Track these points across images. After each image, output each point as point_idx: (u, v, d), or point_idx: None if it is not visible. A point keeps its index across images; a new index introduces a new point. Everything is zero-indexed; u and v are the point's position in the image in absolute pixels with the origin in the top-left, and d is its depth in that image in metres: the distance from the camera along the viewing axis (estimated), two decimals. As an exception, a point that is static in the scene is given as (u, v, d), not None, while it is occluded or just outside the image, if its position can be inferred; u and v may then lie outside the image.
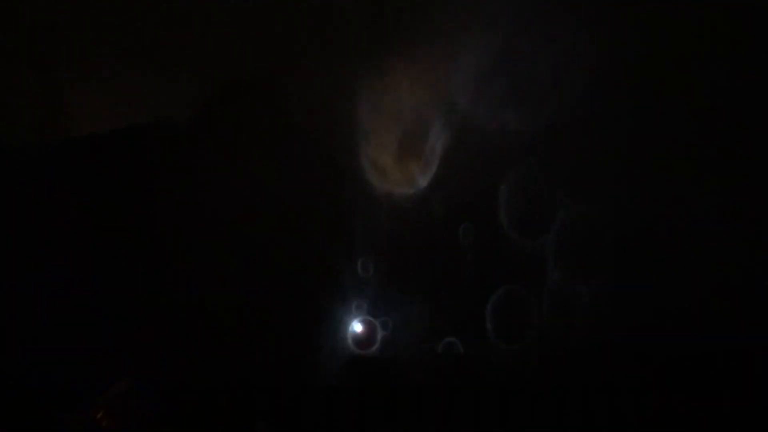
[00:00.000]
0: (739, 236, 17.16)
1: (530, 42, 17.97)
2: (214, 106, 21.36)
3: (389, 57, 19.42)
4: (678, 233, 17.38)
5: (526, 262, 17.95)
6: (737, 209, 17.23)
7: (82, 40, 20.31)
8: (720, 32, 17.64)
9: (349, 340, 17.76)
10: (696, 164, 17.46)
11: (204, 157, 19.63)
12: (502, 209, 18.28)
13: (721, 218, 17.18)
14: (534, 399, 11.33)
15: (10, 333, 14.03)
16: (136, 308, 15.37)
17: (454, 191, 18.66)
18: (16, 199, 17.17)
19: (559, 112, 18.05)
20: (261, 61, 21.06)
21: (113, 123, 20.40)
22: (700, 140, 17.47)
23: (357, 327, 18.13)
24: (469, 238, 18.44)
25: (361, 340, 17.91)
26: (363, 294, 18.70)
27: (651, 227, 17.57)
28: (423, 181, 19.18)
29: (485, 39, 18.10)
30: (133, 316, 15.20)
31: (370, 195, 19.23)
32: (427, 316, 17.56)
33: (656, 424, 11.15)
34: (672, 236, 17.34)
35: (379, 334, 17.69)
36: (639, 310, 16.86)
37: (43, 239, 16.49)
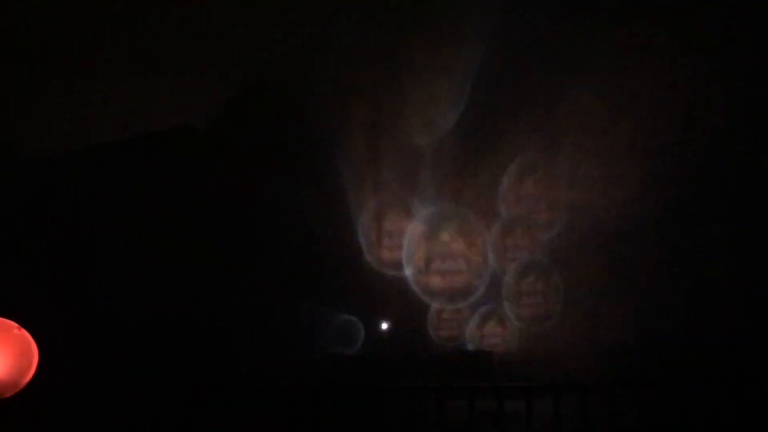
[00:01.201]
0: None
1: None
2: (231, 112, 21.60)
3: (403, 59, 19.59)
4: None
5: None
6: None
7: (101, 49, 20.72)
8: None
9: None
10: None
11: (221, 161, 19.82)
12: None
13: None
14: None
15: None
16: (148, 307, 15.57)
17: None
18: (40, 204, 17.48)
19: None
20: (277, 67, 21.28)
21: (132, 129, 20.77)
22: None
23: None
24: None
25: None
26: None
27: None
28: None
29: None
30: (145, 316, 15.38)
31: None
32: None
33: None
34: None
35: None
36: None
37: (68, 242, 16.77)
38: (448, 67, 19.09)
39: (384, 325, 19.96)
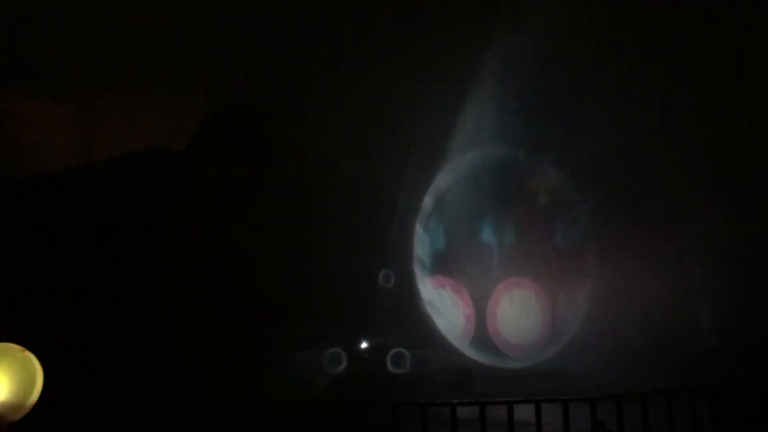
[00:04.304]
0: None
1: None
2: (210, 133, 21.62)
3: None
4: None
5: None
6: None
7: (74, 67, 20.62)
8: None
9: None
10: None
11: (199, 181, 19.80)
12: None
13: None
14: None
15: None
16: (136, 317, 15.52)
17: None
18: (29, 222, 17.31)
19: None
20: (254, 88, 21.43)
21: (109, 152, 20.68)
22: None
23: None
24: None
25: None
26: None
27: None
28: None
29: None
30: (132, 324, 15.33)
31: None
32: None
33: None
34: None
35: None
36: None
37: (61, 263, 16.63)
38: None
39: (364, 344, 20.07)
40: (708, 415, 11.65)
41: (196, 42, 20.61)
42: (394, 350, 19.42)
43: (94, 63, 20.30)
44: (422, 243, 20.42)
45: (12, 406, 5.21)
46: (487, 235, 20.60)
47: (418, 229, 20.34)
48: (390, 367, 19.18)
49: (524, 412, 11.86)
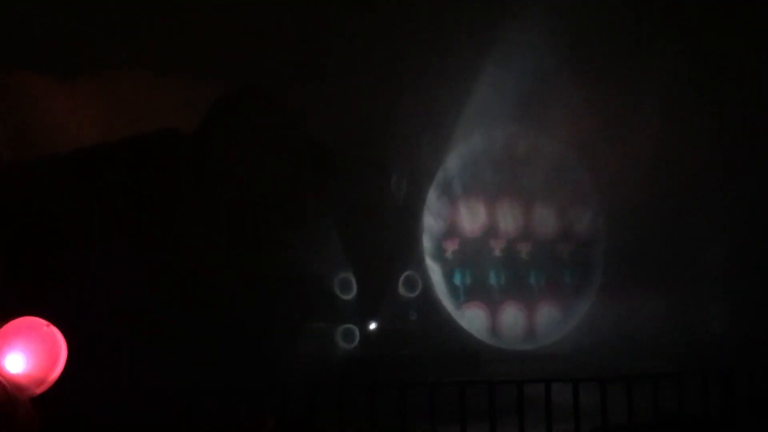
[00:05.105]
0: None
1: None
2: (217, 114, 21.56)
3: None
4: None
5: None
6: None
7: (89, 51, 20.49)
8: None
9: None
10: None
11: (208, 164, 19.80)
12: None
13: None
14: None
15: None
16: (142, 306, 15.67)
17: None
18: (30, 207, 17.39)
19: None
20: (262, 70, 21.32)
21: (120, 132, 20.57)
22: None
23: None
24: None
25: None
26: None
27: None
28: None
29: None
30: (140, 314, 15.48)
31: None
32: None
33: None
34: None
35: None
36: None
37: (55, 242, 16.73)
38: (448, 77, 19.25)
39: (372, 325, 20.23)
40: (717, 401, 11.76)
41: (207, 23, 20.46)
42: (407, 331, 19.67)
43: (104, 42, 20.18)
44: (431, 228, 20.47)
45: (34, 380, 5.31)
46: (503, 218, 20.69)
47: (428, 214, 20.39)
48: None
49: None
